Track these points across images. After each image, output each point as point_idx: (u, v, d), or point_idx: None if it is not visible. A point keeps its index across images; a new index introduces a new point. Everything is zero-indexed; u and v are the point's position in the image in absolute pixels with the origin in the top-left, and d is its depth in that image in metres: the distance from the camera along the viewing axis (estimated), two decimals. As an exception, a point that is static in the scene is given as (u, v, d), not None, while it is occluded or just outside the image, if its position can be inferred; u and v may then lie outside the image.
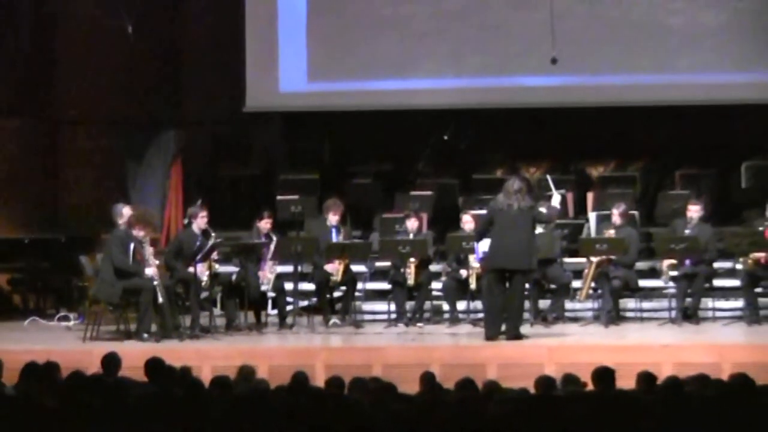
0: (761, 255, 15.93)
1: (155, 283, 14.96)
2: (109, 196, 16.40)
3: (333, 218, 16.75)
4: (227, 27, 19.75)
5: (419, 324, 16.29)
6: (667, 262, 16.29)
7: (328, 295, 16.57)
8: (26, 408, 8.50)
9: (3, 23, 18.73)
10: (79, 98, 19.96)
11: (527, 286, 15.52)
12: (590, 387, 9.34)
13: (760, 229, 16.25)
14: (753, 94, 18.88)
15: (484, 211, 15.39)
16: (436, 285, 16.66)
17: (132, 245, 15.13)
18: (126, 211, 15.45)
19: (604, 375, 9.45)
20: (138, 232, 15.21)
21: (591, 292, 16.32)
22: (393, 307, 16.56)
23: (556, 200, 15.63)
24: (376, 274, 16.95)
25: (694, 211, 16.43)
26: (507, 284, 14.74)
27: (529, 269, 14.87)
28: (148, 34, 19.99)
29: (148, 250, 15.24)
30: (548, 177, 17.11)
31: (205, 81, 20.55)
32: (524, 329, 15.00)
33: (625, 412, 8.26)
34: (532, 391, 9.40)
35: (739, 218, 17.54)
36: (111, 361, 10.80)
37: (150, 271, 15.04)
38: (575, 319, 16.53)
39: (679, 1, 19.11)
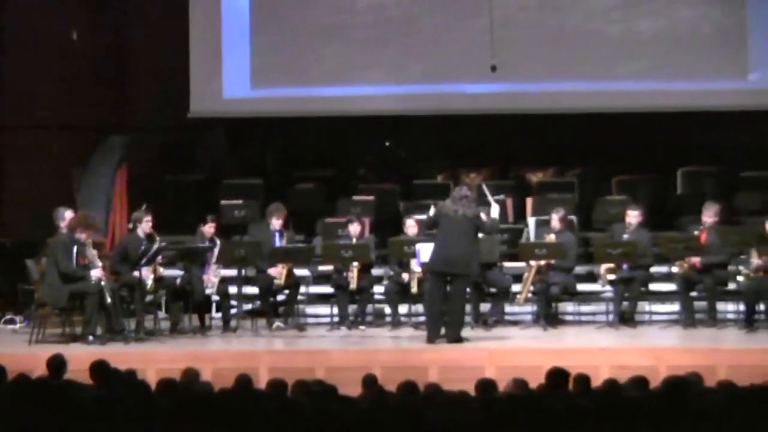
0: (696, 260, 16.06)
1: (102, 284, 14.97)
2: (55, 201, 16.36)
3: (276, 223, 16.77)
4: (172, 34, 19.75)
5: (362, 327, 16.33)
6: (605, 267, 16.37)
7: (271, 299, 16.56)
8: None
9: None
10: (24, 104, 19.94)
11: (468, 290, 15.65)
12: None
13: (695, 233, 16.38)
14: (688, 102, 19.01)
15: (424, 216, 15.47)
16: (378, 289, 16.72)
17: (75, 249, 15.12)
18: (68, 215, 15.45)
19: (558, 375, 9.55)
20: (80, 235, 15.15)
21: (530, 295, 16.42)
22: (336, 310, 16.56)
23: (495, 211, 15.59)
24: (319, 278, 16.97)
25: (633, 216, 16.54)
26: (448, 288, 14.86)
27: (469, 275, 14.96)
28: (93, 41, 20.03)
29: (92, 253, 15.20)
30: (484, 186, 17.10)
31: (150, 87, 20.56)
32: (465, 332, 15.03)
33: (564, 414, 8.35)
34: (473, 393, 9.50)
35: (675, 224, 17.64)
36: (57, 364, 10.82)
37: (95, 273, 14.98)
38: (515, 323, 16.55)
39: (617, 10, 19.22)
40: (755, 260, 15.68)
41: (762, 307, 15.61)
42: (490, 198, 16.01)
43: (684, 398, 8.74)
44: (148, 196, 17.74)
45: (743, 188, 18.66)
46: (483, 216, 15.24)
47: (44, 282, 15.38)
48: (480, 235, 15.64)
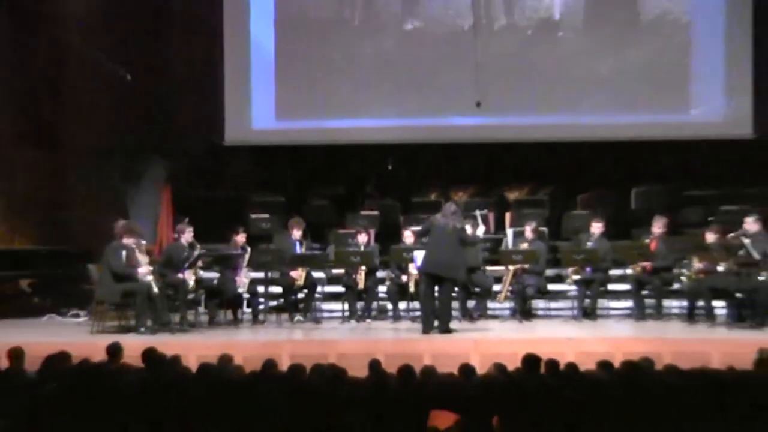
0: (647, 264, 16.11)
1: (149, 279, 15.07)
2: (111, 215, 16.40)
3: (296, 233, 16.79)
4: (209, 74, 19.76)
5: (367, 320, 16.35)
6: (571, 270, 16.43)
7: (292, 297, 16.54)
8: (44, 390, 8.55)
9: (18, 66, 18.68)
10: (87, 132, 19.89)
11: (456, 290, 15.68)
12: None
13: (646, 242, 16.42)
14: (640, 132, 19.04)
15: (418, 228, 15.49)
16: (381, 288, 16.69)
17: (124, 252, 15.18)
18: (117, 225, 15.61)
19: (531, 361, 9.59)
20: (127, 240, 15.24)
21: (508, 294, 16.45)
22: (346, 306, 16.60)
23: (480, 231, 15.78)
24: (332, 280, 17.00)
25: (597, 227, 16.61)
26: (437, 288, 14.91)
27: (456, 278, 15.00)
28: (143, 81, 19.96)
29: (139, 254, 15.32)
30: (478, 213, 17.16)
31: (190, 119, 20.48)
32: (453, 325, 15.01)
33: (537, 392, 8.38)
34: (459, 375, 9.53)
35: (629, 234, 17.63)
36: (114, 350, 10.86)
37: (142, 269, 15.11)
38: (495, 317, 16.52)
39: (580, 55, 19.23)
40: (696, 264, 15.68)
41: (701, 303, 15.61)
42: (480, 220, 16.11)
43: (637, 379, 8.78)
44: (188, 210, 17.75)
45: (686, 204, 18.66)
46: (469, 229, 15.37)
47: (101, 282, 15.43)
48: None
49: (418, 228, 15.49)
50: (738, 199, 18.17)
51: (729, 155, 19.39)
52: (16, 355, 10.27)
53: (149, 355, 10.28)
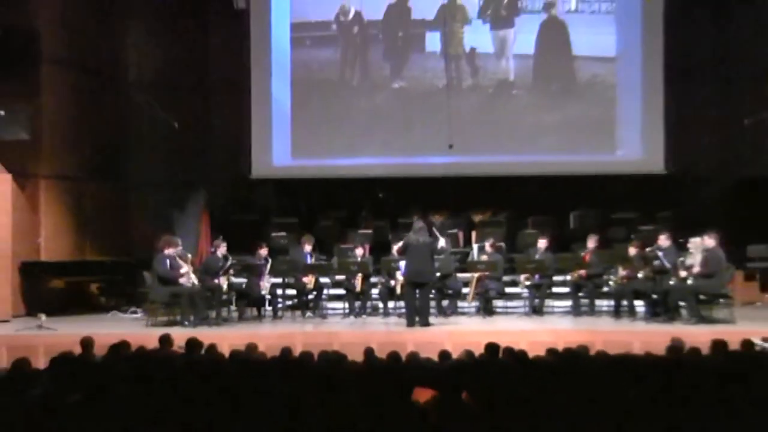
0: (582, 272, 16.13)
1: (192, 277, 15.28)
2: (161, 234, 16.42)
3: (307, 247, 16.81)
4: (239, 122, 19.81)
5: (363, 316, 16.32)
6: (523, 276, 16.43)
7: (304, 298, 16.55)
8: (110, 372, 8.53)
9: (91, 114, 18.71)
10: (141, 167, 20.00)
11: (433, 292, 15.69)
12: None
13: (582, 255, 16.44)
14: (577, 168, 19.09)
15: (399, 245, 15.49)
16: (374, 291, 16.68)
17: (168, 260, 15.25)
18: (160, 240, 15.68)
19: (492, 348, 9.60)
20: (168, 251, 15.33)
21: (475, 295, 16.45)
22: (346, 305, 16.63)
23: (442, 242, 15.78)
24: (336, 284, 16.93)
25: (543, 243, 16.66)
26: (417, 291, 14.91)
27: (430, 282, 15.09)
28: (188, 126, 20.01)
29: (180, 261, 15.37)
30: (435, 229, 17.20)
31: (224, 157, 20.58)
32: (432, 320, 15.06)
33: (496, 372, 8.37)
34: (436, 359, 9.53)
35: (569, 248, 17.63)
36: (165, 340, 10.85)
37: (183, 269, 15.27)
38: (464, 314, 16.52)
39: (530, 107, 19.28)
40: (620, 272, 15.70)
41: (625, 302, 15.61)
42: (441, 239, 16.17)
43: (576, 362, 8.78)
44: (222, 229, 17.76)
45: (613, 225, 18.65)
46: (441, 242, 15.42)
47: (153, 286, 15.45)
48: (442, 255, 15.91)
49: (398, 245, 15.50)
50: (653, 221, 18.19)
51: (646, 186, 19.43)
52: (87, 343, 10.28)
53: (192, 343, 10.27)
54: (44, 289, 16.72)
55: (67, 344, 11.10)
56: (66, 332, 13.96)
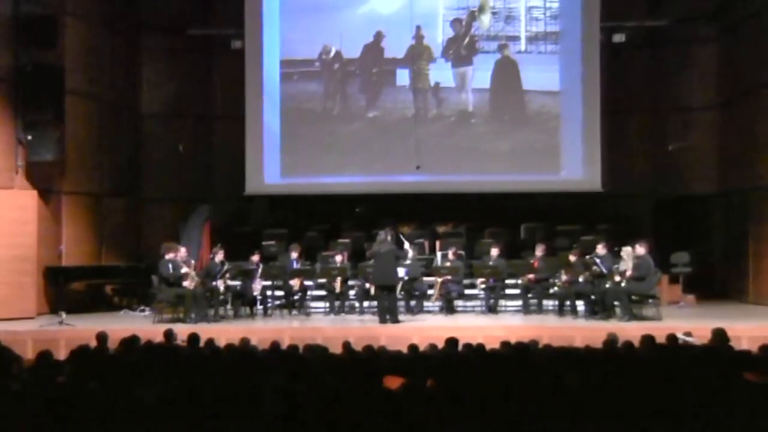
0: (531, 276, 16.15)
1: (195, 282, 15.20)
2: (168, 242, 16.43)
3: (294, 255, 16.78)
4: (235, 144, 19.74)
5: (342, 314, 16.29)
6: (480, 280, 16.43)
7: (291, 298, 16.51)
8: (121, 361, 8.51)
9: (109, 140, 18.76)
10: (152, 185, 20.10)
11: (402, 293, 15.75)
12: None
13: (531, 261, 16.46)
14: (528, 187, 19.11)
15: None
16: (351, 292, 16.64)
17: (170, 264, 15.21)
18: (163, 247, 15.68)
19: (453, 341, 9.60)
20: (170, 255, 15.32)
21: (438, 296, 16.44)
22: (327, 305, 16.59)
23: (409, 249, 15.95)
24: (319, 286, 16.89)
25: (496, 251, 16.66)
26: (386, 293, 14.96)
27: (395, 285, 15.20)
28: (192, 149, 20.22)
29: (182, 265, 15.32)
30: (403, 237, 17.27)
31: (223, 176, 20.57)
32: (401, 317, 15.07)
33: (456, 362, 8.37)
34: (406, 351, 9.53)
35: (519, 255, 17.64)
36: (170, 335, 10.81)
37: (185, 269, 15.24)
38: (429, 312, 16.50)
39: (487, 134, 19.26)
40: (564, 276, 15.75)
41: (568, 302, 15.65)
42: (406, 243, 16.22)
43: (526, 354, 8.80)
44: (221, 238, 17.69)
45: (558, 235, 18.69)
46: (407, 247, 15.60)
47: (160, 288, 15.39)
48: (408, 261, 15.96)
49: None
50: (592, 232, 18.24)
51: (586, 202, 19.52)
52: (102, 337, 10.25)
53: (193, 338, 10.24)
54: (65, 291, 16.61)
55: (85, 338, 11.10)
56: (84, 328, 13.92)
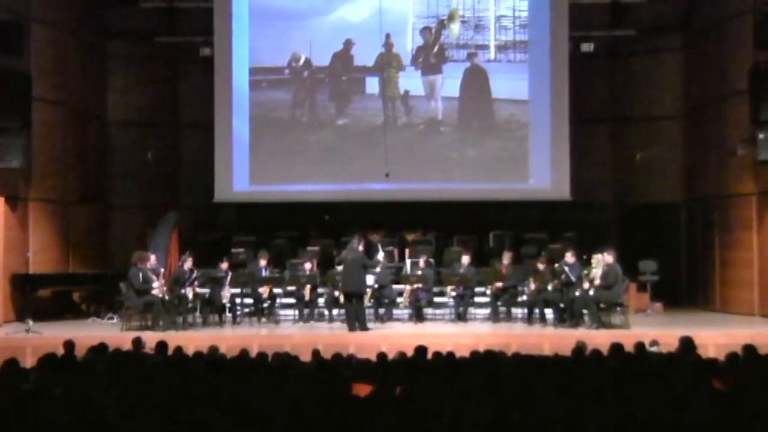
0: (500, 284, 16.19)
1: (163, 289, 15.15)
2: (136, 249, 16.37)
3: (263, 262, 16.74)
4: (204, 152, 19.70)
5: (311, 322, 16.25)
6: (449, 287, 16.46)
7: (260, 306, 16.46)
8: (89, 369, 8.45)
9: (76, 147, 18.67)
10: (119, 192, 20.06)
11: (371, 301, 15.78)
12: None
13: (500, 269, 16.50)
14: (496, 195, 19.15)
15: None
16: (320, 300, 16.62)
17: (141, 273, 15.15)
18: (134, 256, 15.60)
19: (422, 349, 9.60)
20: (141, 265, 15.28)
21: (408, 304, 16.45)
22: (297, 312, 16.56)
23: (380, 256, 16.03)
24: (287, 294, 16.84)
25: (466, 259, 16.66)
26: (354, 300, 14.97)
27: (363, 292, 15.25)
28: (161, 158, 20.20)
29: (152, 274, 15.29)
30: (378, 244, 17.35)
31: (191, 183, 20.56)
32: (370, 325, 15.08)
33: (424, 370, 8.38)
34: (374, 359, 9.52)
35: (488, 263, 17.66)
36: (138, 343, 10.75)
37: (155, 284, 15.14)
38: (399, 320, 16.48)
39: (455, 142, 19.33)
40: (532, 284, 15.81)
41: (537, 310, 15.70)
42: (381, 252, 16.24)
43: (494, 361, 8.82)
44: (189, 246, 17.64)
45: (526, 243, 18.76)
46: (380, 256, 15.59)
47: (128, 295, 15.32)
48: (378, 269, 16.01)
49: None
50: (560, 240, 18.31)
51: (554, 211, 19.61)
52: (69, 345, 10.16)
53: (161, 345, 10.19)
54: (32, 298, 16.49)
55: (52, 346, 11.02)
56: (51, 335, 13.82)
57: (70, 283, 17.81)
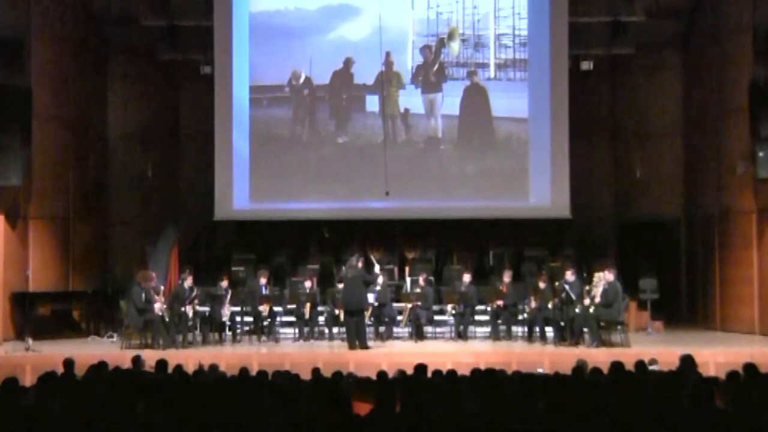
0: (500, 302, 16.20)
1: (161, 314, 15.04)
2: (137, 267, 16.39)
3: (263, 280, 16.76)
4: (204, 171, 19.71)
5: (311, 340, 16.27)
6: (449, 305, 16.46)
7: (260, 323, 16.46)
8: (89, 386, 8.44)
9: (77, 165, 18.67)
10: (120, 209, 20.08)
11: (371, 319, 15.78)
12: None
13: (500, 287, 16.51)
14: (495, 213, 19.10)
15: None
16: (320, 318, 16.63)
17: (143, 293, 15.19)
18: (137, 274, 15.63)
19: (421, 367, 9.58)
20: (145, 284, 15.34)
21: (408, 322, 16.45)
22: (296, 330, 16.56)
23: (377, 269, 16.10)
24: (287, 311, 16.86)
25: (466, 277, 16.68)
26: (355, 318, 14.98)
27: (363, 309, 15.28)
28: (161, 176, 20.17)
29: (154, 294, 15.32)
30: (374, 259, 17.40)
31: (192, 200, 20.54)
32: (370, 343, 15.08)
33: (424, 388, 8.37)
34: (374, 377, 9.51)
35: (488, 281, 17.68)
36: (137, 361, 10.73)
37: (157, 305, 15.11)
38: (399, 338, 16.50)
39: (455, 160, 19.32)
40: (533, 302, 15.82)
41: (537, 328, 15.70)
42: (377, 265, 16.26)
43: (495, 379, 8.81)
44: (189, 263, 17.66)
45: (526, 261, 18.77)
46: (377, 270, 15.87)
47: (128, 313, 15.32)
48: (378, 287, 16.01)
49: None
50: (560, 257, 18.33)
51: (554, 229, 19.63)
52: (69, 363, 10.13)
53: (161, 363, 10.18)
54: (32, 316, 16.49)
55: (52, 364, 10.99)
56: (51, 353, 13.81)
57: (70, 300, 17.79)
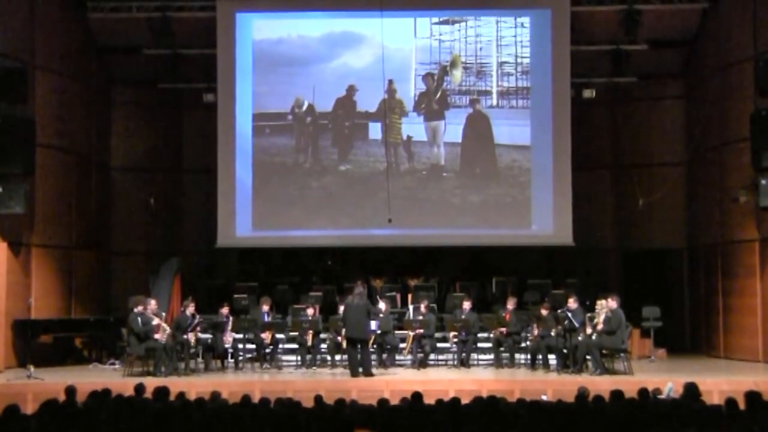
0: (503, 329, 16.17)
1: (162, 342, 15.06)
2: (138, 295, 16.42)
3: (265, 308, 16.76)
4: (207, 200, 19.79)
5: (314, 368, 16.22)
6: (452, 333, 16.43)
7: (262, 351, 16.44)
8: (90, 414, 8.43)
9: (80, 194, 18.72)
10: (122, 239, 20.18)
11: (374, 346, 15.73)
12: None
13: (503, 314, 16.49)
14: (498, 241, 19.16)
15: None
16: (323, 346, 16.59)
17: (139, 318, 15.19)
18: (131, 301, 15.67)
19: (418, 395, 9.57)
20: (139, 309, 15.38)
21: (410, 350, 16.42)
22: (299, 358, 16.53)
23: (382, 305, 16.09)
24: (290, 339, 16.84)
25: (468, 305, 16.67)
26: (359, 346, 14.97)
27: (367, 338, 15.24)
28: (163, 204, 20.26)
29: (150, 315, 15.30)
30: (378, 296, 17.46)
31: (194, 230, 20.62)
32: (373, 371, 15.04)
33: (426, 416, 8.36)
34: (376, 405, 9.49)
35: (491, 309, 17.68)
36: (139, 388, 10.72)
37: (154, 322, 15.21)
38: (402, 365, 16.47)
39: (458, 189, 19.36)
40: (535, 330, 15.80)
41: (539, 356, 15.67)
42: (379, 298, 16.35)
43: (496, 407, 8.79)
44: (191, 291, 17.67)
45: (529, 289, 18.76)
46: (381, 304, 15.60)
47: (130, 341, 15.32)
48: (381, 315, 16.02)
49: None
50: (563, 286, 18.33)
51: (557, 256, 19.67)
52: (70, 391, 10.12)
53: (162, 391, 10.16)
54: (34, 344, 16.45)
55: (53, 392, 11.00)
56: (52, 381, 13.79)
57: (72, 329, 17.75)
